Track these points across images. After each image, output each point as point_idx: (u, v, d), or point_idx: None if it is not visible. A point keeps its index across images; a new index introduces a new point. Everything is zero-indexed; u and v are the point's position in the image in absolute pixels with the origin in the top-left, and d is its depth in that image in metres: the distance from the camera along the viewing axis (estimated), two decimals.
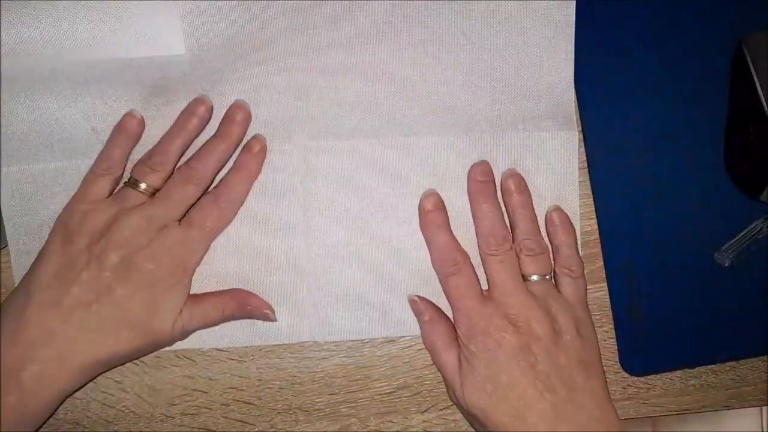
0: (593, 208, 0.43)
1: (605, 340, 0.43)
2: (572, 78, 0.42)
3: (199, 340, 0.42)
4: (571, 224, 0.42)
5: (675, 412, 0.43)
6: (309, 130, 0.42)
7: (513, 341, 0.37)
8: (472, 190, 0.42)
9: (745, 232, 0.42)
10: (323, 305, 0.42)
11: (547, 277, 0.40)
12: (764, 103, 0.41)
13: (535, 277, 0.39)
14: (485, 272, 0.40)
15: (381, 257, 0.43)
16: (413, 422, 0.43)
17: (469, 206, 0.42)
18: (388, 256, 0.43)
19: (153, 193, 0.40)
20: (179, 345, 0.41)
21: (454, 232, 0.41)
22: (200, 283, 0.42)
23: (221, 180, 0.41)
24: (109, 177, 0.40)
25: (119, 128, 0.41)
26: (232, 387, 0.43)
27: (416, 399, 0.43)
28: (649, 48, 0.43)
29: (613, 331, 0.43)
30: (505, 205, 0.42)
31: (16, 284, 0.40)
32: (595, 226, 0.43)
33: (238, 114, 0.41)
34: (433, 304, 0.42)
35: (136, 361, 0.43)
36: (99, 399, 0.43)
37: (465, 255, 0.40)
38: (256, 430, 0.43)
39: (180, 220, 0.40)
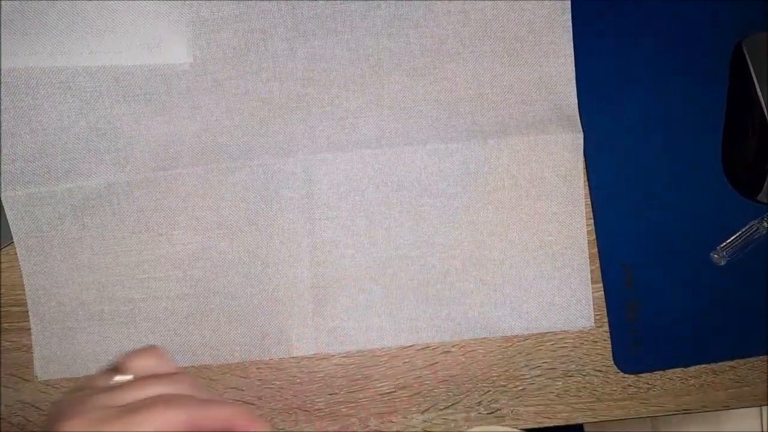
0: (591, 208, 0.43)
1: (603, 340, 0.43)
2: (574, 80, 0.42)
3: (210, 356, 0.42)
4: None
5: (675, 412, 0.43)
6: (311, 144, 0.42)
7: None
8: None
9: (741, 231, 0.42)
10: (332, 317, 0.42)
11: None
12: (763, 104, 0.41)
13: None
14: None
15: (388, 266, 0.42)
16: (413, 422, 0.43)
17: (472, 214, 0.42)
18: (395, 265, 0.42)
19: None
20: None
21: (458, 233, 0.42)
22: (205, 300, 0.42)
23: None
24: None
25: None
26: (232, 387, 0.43)
27: (416, 399, 0.43)
28: (648, 49, 0.43)
29: (611, 330, 0.43)
30: None
31: (22, 283, 0.40)
32: (593, 226, 0.43)
33: None
34: None
35: None
36: None
37: None
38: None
39: None
